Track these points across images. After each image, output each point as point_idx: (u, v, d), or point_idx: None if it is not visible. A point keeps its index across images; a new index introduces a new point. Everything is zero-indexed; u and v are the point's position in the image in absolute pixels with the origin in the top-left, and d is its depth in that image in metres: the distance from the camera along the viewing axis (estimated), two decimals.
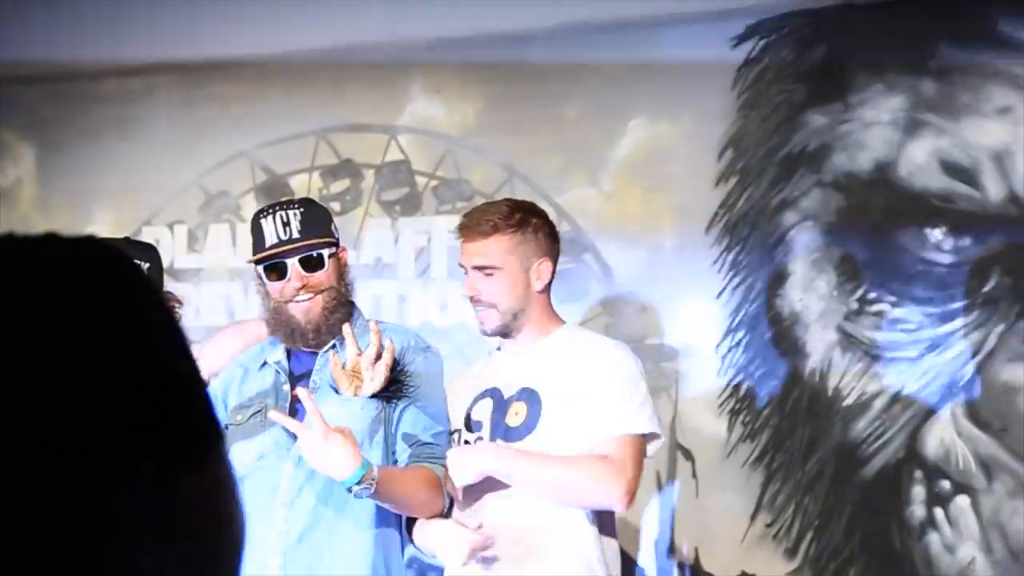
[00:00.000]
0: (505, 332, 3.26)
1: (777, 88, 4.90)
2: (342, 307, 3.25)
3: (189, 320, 4.76)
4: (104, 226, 5.72)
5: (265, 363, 3.38)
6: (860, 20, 4.76)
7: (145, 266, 3.79)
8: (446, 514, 3.19)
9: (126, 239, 4.02)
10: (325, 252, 3.21)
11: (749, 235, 4.90)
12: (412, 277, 5.39)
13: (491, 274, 3.21)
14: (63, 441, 0.65)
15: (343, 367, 3.17)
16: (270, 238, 3.17)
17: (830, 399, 4.73)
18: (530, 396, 3.19)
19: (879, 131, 4.72)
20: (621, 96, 5.09)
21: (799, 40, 4.87)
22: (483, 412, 3.25)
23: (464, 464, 3.07)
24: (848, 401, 4.71)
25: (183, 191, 5.72)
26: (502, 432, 3.19)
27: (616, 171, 5.11)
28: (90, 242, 0.72)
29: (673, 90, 5.01)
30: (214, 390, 3.34)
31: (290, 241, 3.17)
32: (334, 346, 3.25)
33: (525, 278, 3.24)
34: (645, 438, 3.15)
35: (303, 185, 5.59)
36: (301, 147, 5.58)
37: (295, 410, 3.31)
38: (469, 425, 3.25)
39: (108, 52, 5.58)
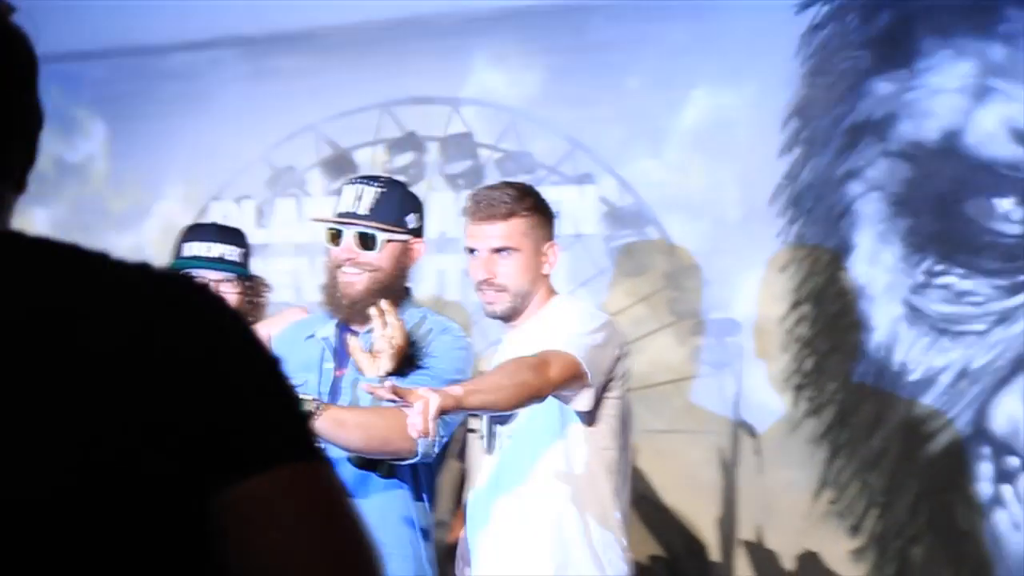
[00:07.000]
0: (512, 315, 3.24)
1: (842, 55, 4.77)
2: (388, 293, 3.25)
3: None
4: (175, 201, 5.78)
5: (312, 335, 3.41)
6: None
7: (238, 251, 3.86)
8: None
9: (215, 224, 4.08)
10: (383, 236, 3.26)
11: (814, 207, 4.80)
12: None
13: (508, 256, 3.19)
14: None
15: (368, 351, 3.18)
16: (341, 206, 3.33)
17: (896, 374, 4.63)
18: None
19: (946, 99, 4.58)
20: (683, 66, 5.00)
21: (864, 5, 4.73)
22: None
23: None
24: (914, 376, 4.60)
25: (250, 166, 5.75)
26: (499, 419, 3.20)
27: (679, 142, 5.03)
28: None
29: (736, 59, 4.91)
30: None
31: (352, 216, 3.29)
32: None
33: (537, 261, 3.23)
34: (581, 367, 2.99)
35: (368, 159, 5.59)
36: (365, 120, 5.57)
37: (336, 389, 3.32)
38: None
39: (174, 26, 5.63)
